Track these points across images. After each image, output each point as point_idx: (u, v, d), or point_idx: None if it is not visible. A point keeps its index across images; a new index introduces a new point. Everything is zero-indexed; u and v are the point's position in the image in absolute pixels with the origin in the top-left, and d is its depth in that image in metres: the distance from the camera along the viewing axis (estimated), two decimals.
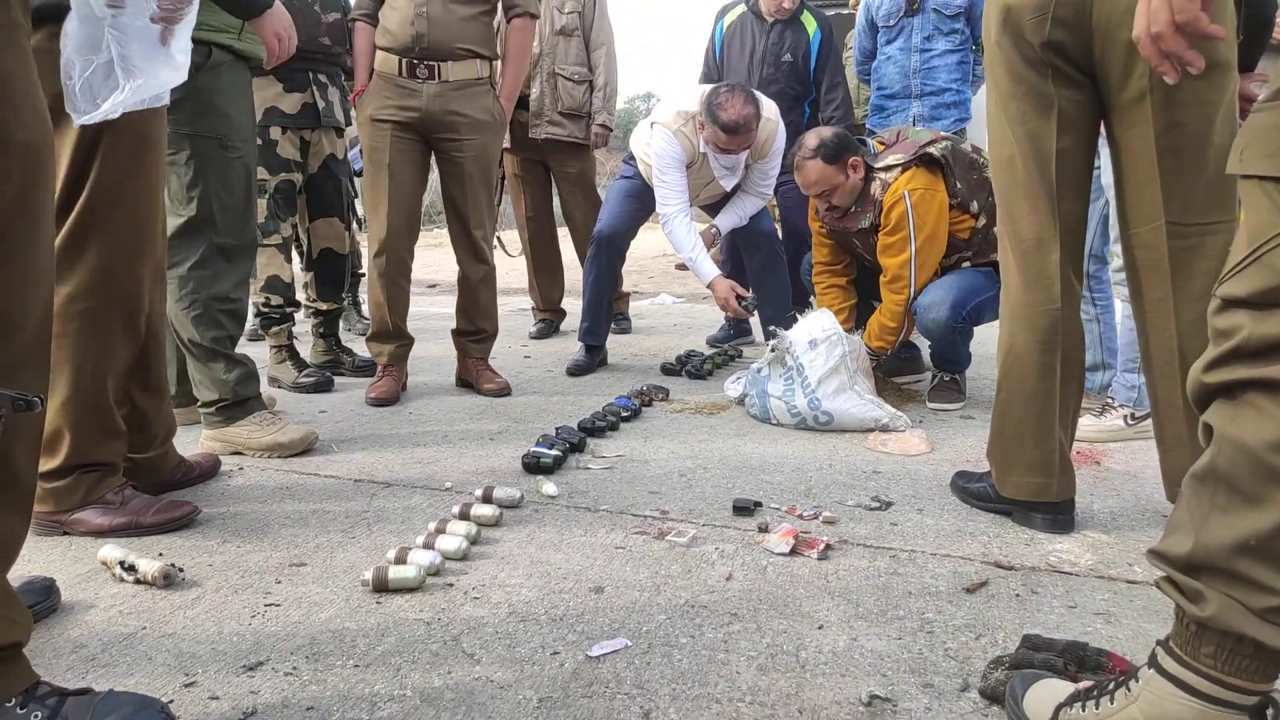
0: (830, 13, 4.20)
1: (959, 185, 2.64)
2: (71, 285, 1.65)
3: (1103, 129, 1.62)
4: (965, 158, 2.68)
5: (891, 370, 3.10)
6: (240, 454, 2.27)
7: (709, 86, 3.12)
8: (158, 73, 1.40)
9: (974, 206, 2.67)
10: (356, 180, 4.11)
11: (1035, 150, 1.59)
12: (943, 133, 2.86)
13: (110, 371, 1.75)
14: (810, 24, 3.71)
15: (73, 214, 1.63)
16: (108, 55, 1.35)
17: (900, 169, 2.64)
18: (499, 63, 3.00)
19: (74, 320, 1.67)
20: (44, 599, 1.40)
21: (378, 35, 2.77)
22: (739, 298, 3.15)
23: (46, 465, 1.69)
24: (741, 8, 3.79)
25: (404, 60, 2.73)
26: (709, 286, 3.19)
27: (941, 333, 2.62)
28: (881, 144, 2.80)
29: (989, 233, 2.69)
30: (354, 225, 3.84)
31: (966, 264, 2.68)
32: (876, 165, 2.71)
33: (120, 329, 1.74)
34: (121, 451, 1.82)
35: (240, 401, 2.27)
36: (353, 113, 3.01)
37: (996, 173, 1.68)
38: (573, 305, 4.16)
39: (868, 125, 3.79)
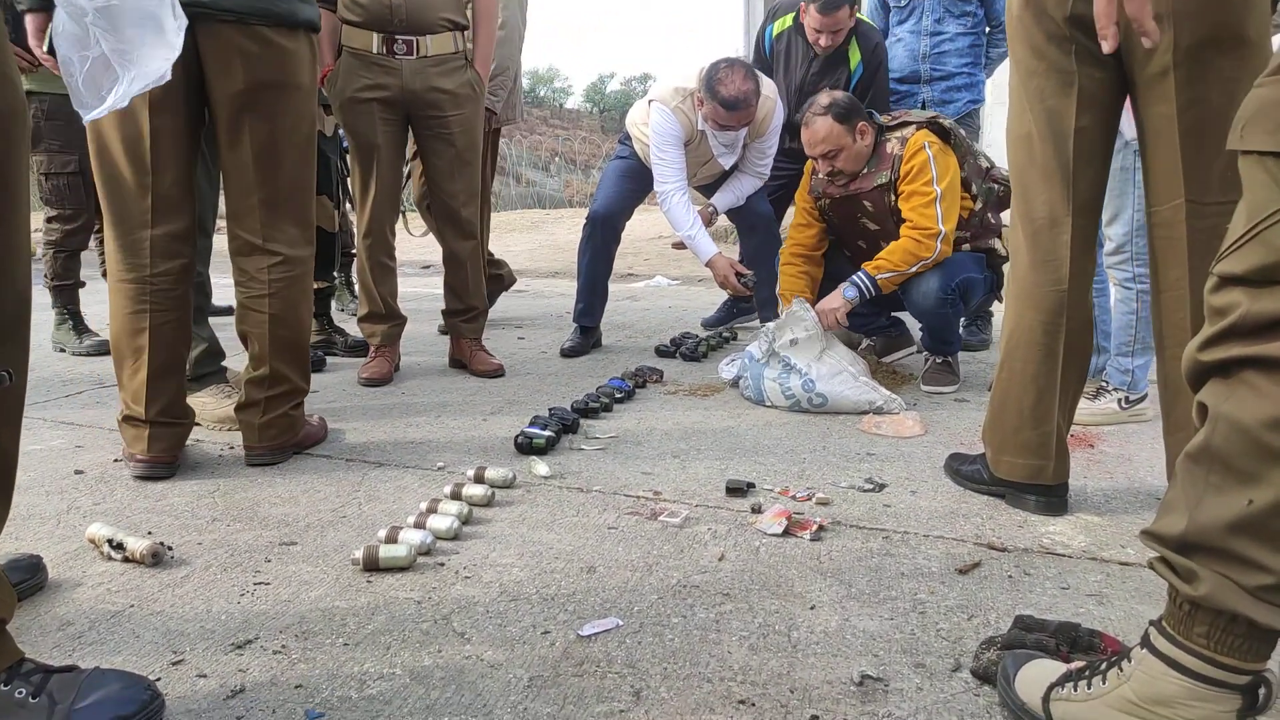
0: None
1: (963, 164, 2.65)
2: None
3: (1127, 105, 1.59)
4: (964, 142, 2.70)
5: (883, 350, 3.10)
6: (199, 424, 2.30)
7: (708, 63, 3.08)
8: (152, 56, 1.41)
9: (973, 188, 2.67)
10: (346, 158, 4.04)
11: (1054, 128, 1.55)
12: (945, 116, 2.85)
13: None
14: (854, 56, 3.31)
15: None
16: (99, 50, 1.35)
17: (915, 128, 2.65)
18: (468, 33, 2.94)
19: None
20: (30, 576, 1.38)
21: (346, 10, 2.68)
22: (738, 274, 3.13)
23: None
24: (790, 21, 3.43)
25: (380, 35, 2.66)
26: (708, 264, 3.17)
27: (930, 304, 2.60)
28: (890, 116, 2.78)
29: (985, 217, 2.72)
30: (345, 204, 3.79)
31: (966, 246, 2.67)
32: (890, 125, 2.70)
33: None
34: None
35: (197, 378, 2.35)
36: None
37: (1013, 149, 1.65)
38: (568, 286, 4.14)
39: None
